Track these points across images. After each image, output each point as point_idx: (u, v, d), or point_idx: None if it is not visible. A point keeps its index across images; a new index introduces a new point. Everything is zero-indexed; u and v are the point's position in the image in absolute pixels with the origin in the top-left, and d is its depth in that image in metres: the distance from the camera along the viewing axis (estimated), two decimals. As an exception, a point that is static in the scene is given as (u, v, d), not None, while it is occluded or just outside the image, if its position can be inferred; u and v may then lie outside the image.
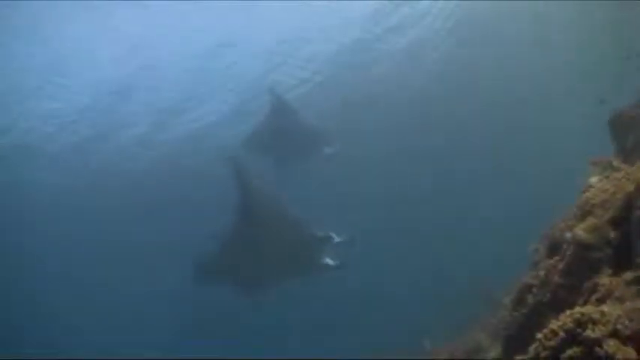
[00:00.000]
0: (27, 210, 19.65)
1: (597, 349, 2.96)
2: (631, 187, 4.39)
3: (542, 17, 17.42)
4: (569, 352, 3.02)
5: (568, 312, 3.19)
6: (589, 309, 3.16)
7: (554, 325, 3.17)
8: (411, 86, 19.38)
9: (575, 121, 17.96)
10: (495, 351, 6.43)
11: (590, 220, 4.60)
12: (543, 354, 3.14)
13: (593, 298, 4.01)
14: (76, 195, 19.87)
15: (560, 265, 4.67)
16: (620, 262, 4.19)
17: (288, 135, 15.58)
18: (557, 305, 4.30)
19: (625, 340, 2.99)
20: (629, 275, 3.93)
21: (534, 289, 4.91)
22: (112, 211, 19.94)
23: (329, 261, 11.45)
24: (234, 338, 18.36)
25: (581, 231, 4.54)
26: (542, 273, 4.93)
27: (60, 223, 19.99)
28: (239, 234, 11.46)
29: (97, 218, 20.05)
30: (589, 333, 3.02)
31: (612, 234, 4.41)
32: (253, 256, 11.53)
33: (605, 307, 3.21)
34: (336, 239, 11.29)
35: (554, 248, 5.05)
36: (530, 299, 4.93)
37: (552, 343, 3.12)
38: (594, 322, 3.06)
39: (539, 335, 3.22)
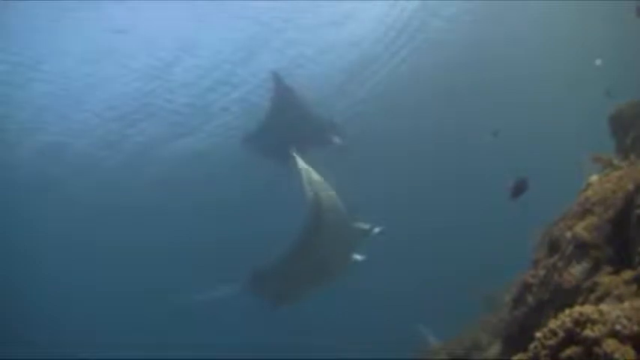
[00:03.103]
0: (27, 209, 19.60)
1: (596, 348, 2.94)
2: (631, 186, 4.38)
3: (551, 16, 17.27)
4: (568, 351, 3.01)
5: (567, 311, 3.18)
6: (588, 308, 3.15)
7: (553, 324, 3.15)
8: (409, 86, 19.24)
9: (577, 120, 17.92)
10: (495, 349, 6.42)
11: (590, 219, 4.59)
12: (542, 353, 3.13)
13: (593, 297, 4.00)
14: (79, 195, 19.79)
15: (560, 264, 4.65)
16: (619, 261, 4.19)
17: (293, 128, 14.26)
18: (557, 304, 4.29)
19: (624, 339, 2.97)
20: (628, 274, 3.93)
21: (534, 288, 4.90)
22: (112, 212, 19.92)
23: (357, 256, 11.14)
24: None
25: (581, 230, 4.52)
26: (542, 272, 4.92)
27: (62, 225, 19.96)
28: (305, 245, 10.87)
29: (98, 220, 20.02)
30: (588, 332, 3.00)
31: (612, 233, 4.40)
32: (315, 262, 10.97)
33: (604, 307, 3.19)
34: (377, 230, 10.95)
35: (554, 247, 5.04)
36: (530, 298, 4.92)
37: (551, 342, 3.10)
38: (593, 322, 3.04)
39: (538, 334, 3.20)
